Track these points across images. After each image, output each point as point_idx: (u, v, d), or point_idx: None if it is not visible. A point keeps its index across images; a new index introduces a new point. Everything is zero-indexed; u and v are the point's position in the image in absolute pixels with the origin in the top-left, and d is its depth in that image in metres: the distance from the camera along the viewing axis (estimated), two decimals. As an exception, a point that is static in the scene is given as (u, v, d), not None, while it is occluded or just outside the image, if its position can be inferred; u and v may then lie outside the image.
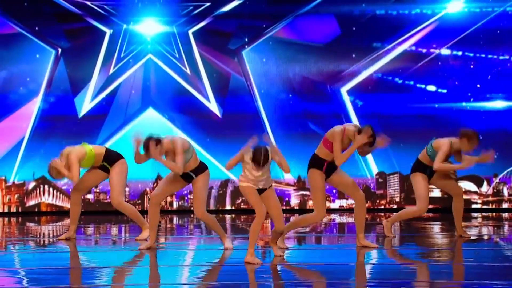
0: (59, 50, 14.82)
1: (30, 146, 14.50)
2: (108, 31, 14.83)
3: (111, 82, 14.90)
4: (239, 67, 14.81)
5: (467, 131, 10.09)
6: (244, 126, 14.70)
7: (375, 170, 14.88)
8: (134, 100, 14.98)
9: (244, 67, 14.81)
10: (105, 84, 14.90)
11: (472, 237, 11.09)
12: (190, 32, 14.85)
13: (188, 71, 14.92)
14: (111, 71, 14.89)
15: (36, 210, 14.81)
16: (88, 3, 14.74)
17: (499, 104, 14.78)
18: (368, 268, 8.64)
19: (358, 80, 14.78)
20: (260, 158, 8.72)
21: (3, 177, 14.77)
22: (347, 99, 14.80)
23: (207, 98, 14.91)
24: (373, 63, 14.75)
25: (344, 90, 14.81)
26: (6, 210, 14.84)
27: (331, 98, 14.81)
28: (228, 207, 14.98)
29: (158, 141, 9.38)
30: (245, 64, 14.81)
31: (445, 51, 14.75)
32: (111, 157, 10.53)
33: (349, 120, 14.59)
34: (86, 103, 14.82)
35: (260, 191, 9.06)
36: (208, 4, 14.81)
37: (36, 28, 14.72)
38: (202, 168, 9.74)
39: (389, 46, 14.74)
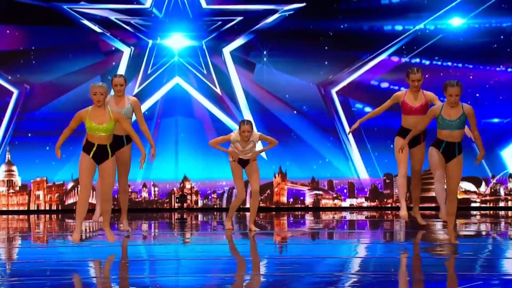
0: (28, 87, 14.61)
1: (68, 150, 14.53)
2: (128, 49, 14.69)
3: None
4: (262, 83, 14.78)
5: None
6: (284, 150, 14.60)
7: (382, 171, 14.85)
8: (161, 134, 14.88)
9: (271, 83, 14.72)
10: None
11: (472, 233, 11.04)
12: (224, 50, 14.75)
13: (218, 90, 14.82)
14: (135, 91, 14.74)
15: (74, 208, 14.82)
16: (113, 18, 14.65)
17: (496, 119, 14.77)
18: (374, 261, 8.62)
19: (371, 92, 14.74)
20: (245, 121, 10.30)
21: (45, 178, 14.82)
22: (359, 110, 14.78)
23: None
24: (382, 73, 14.72)
25: (356, 104, 14.79)
26: (47, 208, 14.90)
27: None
28: (247, 205, 14.96)
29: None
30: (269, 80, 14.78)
31: (446, 63, 14.72)
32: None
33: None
34: None
35: (245, 164, 10.48)
36: (240, 18, 14.71)
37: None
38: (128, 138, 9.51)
39: (396, 59, 14.73)
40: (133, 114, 10.22)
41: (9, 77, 14.61)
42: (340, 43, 14.77)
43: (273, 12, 14.65)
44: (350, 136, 14.64)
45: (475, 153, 9.96)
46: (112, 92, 10.25)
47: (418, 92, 10.01)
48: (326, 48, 14.74)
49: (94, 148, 8.67)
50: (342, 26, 14.73)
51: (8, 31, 14.59)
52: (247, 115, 14.67)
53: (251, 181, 10.68)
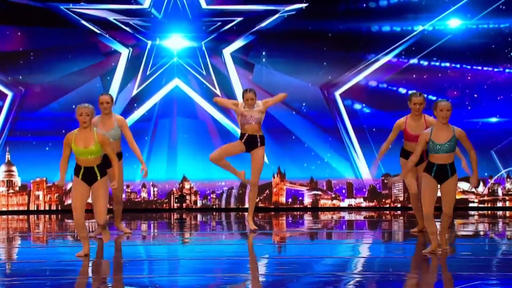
0: (22, 90, 14.54)
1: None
2: (127, 50, 14.65)
3: (131, 111, 14.70)
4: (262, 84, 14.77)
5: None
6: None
7: (380, 172, 14.84)
8: (160, 134, 14.87)
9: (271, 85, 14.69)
10: (124, 112, 14.38)
11: (470, 233, 11.04)
12: (224, 51, 14.72)
13: (218, 91, 14.79)
14: (134, 92, 14.72)
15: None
16: (111, 19, 14.60)
17: (493, 119, 14.79)
18: (373, 261, 8.62)
19: (371, 92, 14.74)
20: (247, 89, 10.58)
21: (44, 178, 14.81)
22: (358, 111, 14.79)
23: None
24: (380, 74, 14.72)
25: (356, 104, 14.80)
26: (47, 208, 14.89)
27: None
28: (247, 205, 14.95)
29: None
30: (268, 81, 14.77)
31: (445, 64, 14.74)
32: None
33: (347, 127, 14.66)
34: None
35: (251, 145, 10.59)
36: (239, 19, 14.68)
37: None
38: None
39: (394, 60, 14.72)
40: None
41: (9, 78, 14.60)
42: (339, 44, 14.76)
43: (273, 12, 14.65)
44: (353, 136, 14.66)
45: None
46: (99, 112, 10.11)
47: (420, 117, 9.90)
48: (325, 49, 14.73)
49: (82, 171, 8.45)
50: (341, 27, 14.71)
51: (7, 32, 14.58)
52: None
53: (252, 173, 10.72)
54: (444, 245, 8.72)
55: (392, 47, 14.72)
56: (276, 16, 14.62)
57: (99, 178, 8.46)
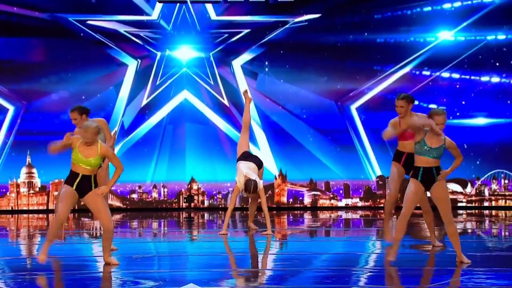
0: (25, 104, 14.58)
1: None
2: (136, 62, 14.71)
3: (143, 117, 14.84)
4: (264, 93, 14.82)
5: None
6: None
7: (376, 173, 14.89)
8: (170, 139, 15.00)
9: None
10: (132, 125, 14.70)
11: (458, 231, 11.07)
12: (233, 62, 14.77)
13: (226, 101, 14.84)
14: (144, 102, 14.80)
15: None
16: (121, 30, 14.65)
17: (481, 120, 14.83)
18: (369, 256, 8.67)
19: (365, 99, 14.80)
20: (250, 188, 10.25)
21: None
22: (355, 116, 14.85)
23: (255, 143, 14.93)
24: (376, 84, 14.78)
25: (353, 107, 14.86)
26: (64, 208, 14.93)
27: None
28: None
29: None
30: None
31: (435, 74, 14.80)
32: None
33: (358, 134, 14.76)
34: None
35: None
36: (247, 30, 14.72)
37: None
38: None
39: (391, 70, 14.78)
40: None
41: (29, 86, 14.68)
42: (339, 56, 14.81)
43: (281, 24, 14.69)
44: (363, 136, 14.75)
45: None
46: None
47: (410, 117, 9.46)
48: (327, 59, 14.77)
49: (78, 179, 7.70)
50: (340, 39, 14.77)
51: (27, 44, 14.67)
52: (253, 123, 14.73)
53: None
54: (460, 258, 8.00)
55: (388, 58, 14.77)
56: (286, 27, 14.65)
57: (93, 188, 7.76)
